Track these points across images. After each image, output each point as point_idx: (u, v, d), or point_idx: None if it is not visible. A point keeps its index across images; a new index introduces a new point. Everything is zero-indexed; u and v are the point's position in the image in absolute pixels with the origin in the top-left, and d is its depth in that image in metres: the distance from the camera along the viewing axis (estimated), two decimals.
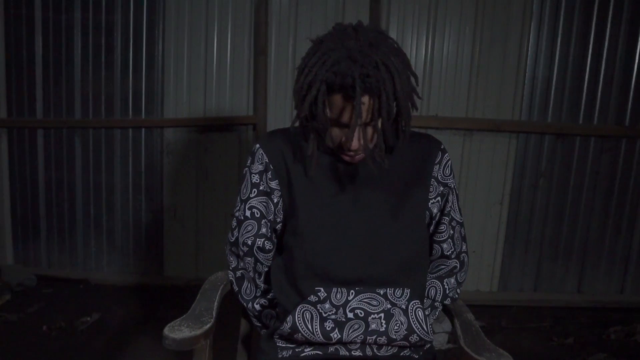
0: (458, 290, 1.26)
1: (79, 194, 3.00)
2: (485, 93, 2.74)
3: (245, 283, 1.24)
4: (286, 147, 1.17)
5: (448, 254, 1.22)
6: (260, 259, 1.20)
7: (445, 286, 1.23)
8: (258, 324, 1.26)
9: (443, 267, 1.23)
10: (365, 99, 0.97)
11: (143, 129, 2.90)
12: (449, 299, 1.24)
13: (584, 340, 2.54)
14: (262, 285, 1.23)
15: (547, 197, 2.84)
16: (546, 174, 2.81)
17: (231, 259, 1.25)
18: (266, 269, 1.22)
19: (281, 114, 2.83)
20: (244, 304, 1.24)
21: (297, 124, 1.12)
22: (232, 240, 1.22)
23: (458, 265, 1.24)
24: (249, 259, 1.20)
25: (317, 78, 0.97)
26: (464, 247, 1.25)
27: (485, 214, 2.84)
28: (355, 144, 1.03)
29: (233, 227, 1.22)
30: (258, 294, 1.23)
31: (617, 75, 2.71)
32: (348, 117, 1.00)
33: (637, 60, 2.70)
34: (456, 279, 1.25)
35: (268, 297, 1.23)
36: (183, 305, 2.76)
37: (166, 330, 0.95)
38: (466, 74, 2.73)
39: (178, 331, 0.95)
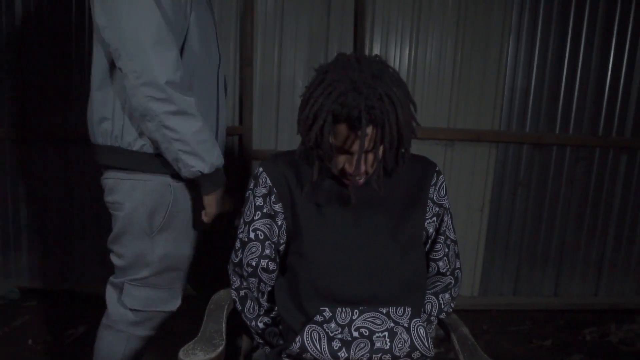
0: (452, 305, 1.32)
1: (63, 204, 2.97)
2: (466, 104, 2.82)
3: (249, 302, 1.27)
4: (289, 171, 1.21)
5: (444, 271, 1.28)
6: (263, 279, 1.23)
7: (441, 301, 1.29)
8: (260, 341, 1.29)
9: (439, 283, 1.29)
10: (369, 129, 1.02)
11: None
12: (443, 313, 1.30)
13: (561, 341, 2.64)
14: (266, 304, 1.27)
15: (525, 205, 2.94)
16: (524, 182, 2.91)
17: (234, 278, 1.28)
18: (269, 289, 1.26)
19: (267, 124, 2.86)
20: (247, 322, 1.28)
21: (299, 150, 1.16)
22: (235, 261, 1.25)
23: (452, 282, 1.30)
24: (253, 279, 1.23)
25: (323, 108, 1.02)
26: (457, 263, 1.31)
27: (466, 222, 2.92)
28: (357, 170, 1.07)
29: (237, 248, 1.25)
30: (261, 313, 1.27)
31: (591, 87, 2.83)
32: (351, 145, 1.05)
33: (609, 73, 2.82)
34: (450, 294, 1.31)
35: (271, 315, 1.27)
36: (173, 315, 2.78)
37: (181, 355, 0.98)
38: (448, 85, 2.81)
39: (193, 355, 0.99)
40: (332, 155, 1.07)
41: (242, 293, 1.27)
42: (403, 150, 1.11)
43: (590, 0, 2.74)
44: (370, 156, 1.08)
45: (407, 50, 2.78)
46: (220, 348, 1.03)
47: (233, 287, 1.29)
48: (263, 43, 2.79)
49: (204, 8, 1.48)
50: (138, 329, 1.54)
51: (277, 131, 2.87)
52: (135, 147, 1.36)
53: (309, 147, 1.09)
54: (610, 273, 3.04)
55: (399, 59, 2.79)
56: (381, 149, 1.06)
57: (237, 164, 2.87)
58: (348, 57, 1.07)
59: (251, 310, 1.27)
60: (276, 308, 1.26)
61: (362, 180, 1.13)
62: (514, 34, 2.76)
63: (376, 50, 2.79)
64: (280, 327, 1.25)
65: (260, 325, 1.26)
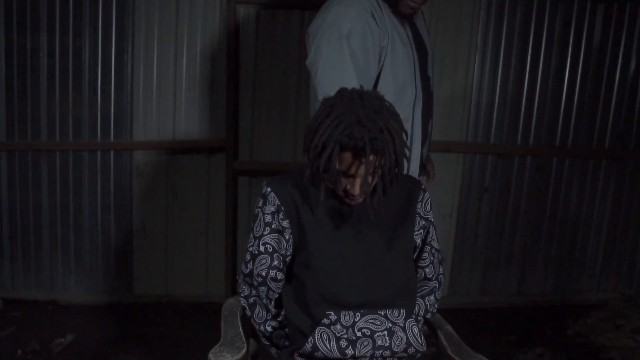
0: (436, 306, 1.50)
1: (46, 215, 3.02)
2: (436, 117, 3.00)
3: (258, 308, 1.41)
4: (295, 191, 1.35)
5: (430, 276, 1.46)
6: (272, 287, 1.38)
7: (426, 303, 1.46)
8: (267, 343, 1.44)
9: (425, 287, 1.47)
10: (371, 157, 1.18)
11: (112, 152, 2.97)
12: (429, 313, 1.48)
13: (525, 336, 2.87)
14: (273, 310, 1.41)
15: (490, 210, 3.17)
16: (489, 190, 3.14)
17: (244, 287, 1.42)
18: (276, 296, 1.40)
19: (247, 137, 2.99)
20: (256, 326, 1.42)
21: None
22: (246, 272, 1.39)
23: (437, 285, 1.48)
24: (263, 288, 1.37)
25: (332, 139, 1.17)
26: (440, 269, 1.50)
27: (436, 227, 3.12)
28: (361, 190, 1.23)
29: (247, 260, 1.39)
30: (269, 318, 1.41)
31: (549, 102, 3.08)
32: (355, 170, 1.20)
33: (565, 89, 3.08)
34: (435, 297, 1.49)
35: (278, 319, 1.41)
36: (157, 322, 2.87)
37: (211, 357, 1.12)
38: None
39: (221, 357, 1.13)
40: (338, 178, 1.22)
41: (251, 300, 1.41)
42: (397, 173, 1.27)
43: (548, 24, 2.99)
44: (370, 179, 1.24)
45: None
46: (244, 350, 1.17)
47: (242, 295, 1.43)
48: (245, 61, 2.92)
49: (402, 53, 1.62)
50: None
51: (258, 145, 3.02)
52: None
53: (316, 171, 1.24)
54: (567, 272, 3.30)
55: None
56: (380, 172, 1.22)
57: (221, 174, 3.00)
58: (351, 92, 1.23)
59: (260, 315, 1.41)
60: (282, 313, 1.40)
61: (360, 200, 1.29)
62: (479, 54, 2.98)
63: None
64: (287, 330, 1.39)
65: (269, 329, 1.41)
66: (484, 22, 2.96)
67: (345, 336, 1.25)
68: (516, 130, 3.10)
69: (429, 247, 1.45)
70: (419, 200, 1.42)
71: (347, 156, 1.19)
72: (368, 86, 1.56)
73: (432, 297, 1.47)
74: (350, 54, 1.50)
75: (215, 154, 2.99)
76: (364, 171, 1.19)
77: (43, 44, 2.87)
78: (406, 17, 1.68)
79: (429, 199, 1.45)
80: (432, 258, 1.46)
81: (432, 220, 1.46)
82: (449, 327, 1.41)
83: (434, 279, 1.47)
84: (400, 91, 1.66)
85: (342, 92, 1.25)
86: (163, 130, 2.96)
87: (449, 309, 3.15)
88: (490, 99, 3.05)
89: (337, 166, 1.20)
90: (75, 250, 3.05)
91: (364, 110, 1.17)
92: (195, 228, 3.07)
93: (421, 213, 1.42)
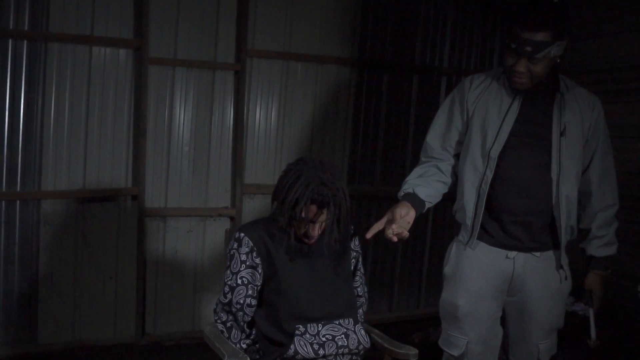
0: (363, 316, 1.99)
1: None
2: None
3: (234, 330, 1.77)
4: (264, 234, 1.76)
5: (361, 294, 1.96)
6: (247, 312, 1.75)
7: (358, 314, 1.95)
8: None
9: (357, 302, 1.95)
10: (331, 208, 1.65)
11: (18, 201, 2.98)
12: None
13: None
14: (247, 330, 1.78)
15: (372, 248, 3.80)
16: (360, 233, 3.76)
17: (222, 314, 1.77)
18: (249, 319, 1.77)
19: (157, 185, 3.24)
20: (232, 345, 1.76)
21: (269, 219, 1.73)
22: (225, 301, 1.75)
23: (364, 301, 1.99)
24: (240, 313, 1.74)
25: (303, 196, 1.62)
26: (366, 289, 2.00)
27: None
28: (317, 232, 1.70)
29: (226, 292, 1.75)
30: (243, 337, 1.78)
31: None
32: (317, 218, 1.67)
33: None
34: (363, 309, 1.98)
35: (251, 338, 1.79)
36: None
37: None
38: (308, 140, 3.54)
39: None
40: (308, 225, 1.67)
41: (228, 324, 1.77)
42: (343, 219, 1.75)
43: None
44: (324, 224, 1.71)
45: (277, 114, 3.45)
46: (248, 358, 1.53)
47: (220, 321, 1.77)
48: (155, 114, 3.20)
49: (487, 119, 1.84)
50: None
51: (166, 191, 3.28)
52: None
53: (289, 219, 1.67)
54: (427, 289, 4.03)
55: (271, 123, 3.44)
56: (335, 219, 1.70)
57: (131, 220, 3.19)
58: (312, 160, 1.70)
59: (236, 336, 1.77)
60: (254, 332, 1.78)
61: (315, 239, 1.74)
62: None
63: (252, 113, 3.43)
64: (257, 345, 1.77)
65: (244, 346, 1.77)
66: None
67: (315, 341, 1.69)
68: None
69: (359, 272, 1.96)
70: (351, 237, 1.91)
71: (313, 208, 1.65)
72: (453, 128, 1.96)
73: (361, 310, 1.97)
74: (444, 109, 2.01)
75: (125, 201, 3.18)
76: (324, 218, 1.66)
77: None
78: (521, 92, 1.81)
79: (357, 237, 1.95)
80: (361, 280, 1.96)
81: (361, 252, 1.96)
82: (377, 330, 1.92)
83: (362, 295, 1.97)
84: (481, 142, 1.87)
85: (304, 159, 1.71)
86: (73, 179, 3.07)
87: None
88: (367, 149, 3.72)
89: (303, 214, 1.65)
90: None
91: (325, 175, 1.65)
92: (105, 272, 3.18)
93: (352, 247, 1.92)
